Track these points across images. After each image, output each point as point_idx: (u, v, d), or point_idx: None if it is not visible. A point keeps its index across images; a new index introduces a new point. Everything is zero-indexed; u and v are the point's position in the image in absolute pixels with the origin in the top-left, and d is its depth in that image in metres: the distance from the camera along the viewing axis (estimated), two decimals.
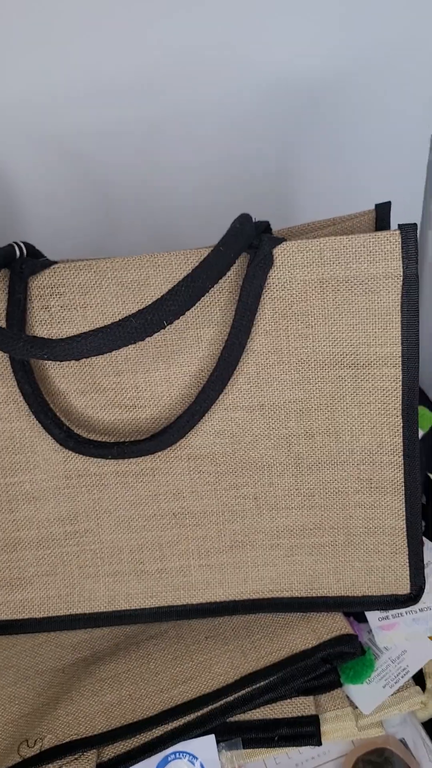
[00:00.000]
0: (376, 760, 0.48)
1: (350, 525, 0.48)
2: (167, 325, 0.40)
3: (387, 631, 0.52)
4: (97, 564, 0.50)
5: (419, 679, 0.51)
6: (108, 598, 0.50)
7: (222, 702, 0.45)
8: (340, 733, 0.48)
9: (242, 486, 0.48)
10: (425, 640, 0.51)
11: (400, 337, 0.45)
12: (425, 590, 0.52)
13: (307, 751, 0.49)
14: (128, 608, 0.51)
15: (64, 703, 0.47)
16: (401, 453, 0.46)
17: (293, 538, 0.48)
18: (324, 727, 0.48)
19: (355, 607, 0.50)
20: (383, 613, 0.53)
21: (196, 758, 0.47)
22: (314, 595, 0.50)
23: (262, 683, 0.46)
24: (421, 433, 0.68)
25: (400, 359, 0.45)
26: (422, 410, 0.70)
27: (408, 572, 0.49)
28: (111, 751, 0.45)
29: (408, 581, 0.49)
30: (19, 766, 0.43)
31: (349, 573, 0.49)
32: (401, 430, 0.46)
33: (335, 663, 0.47)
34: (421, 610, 0.52)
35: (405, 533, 0.48)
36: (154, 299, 0.40)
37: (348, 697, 0.49)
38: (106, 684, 0.47)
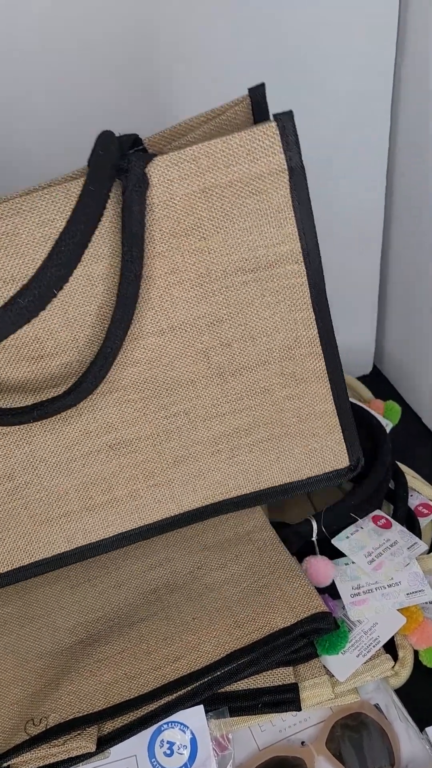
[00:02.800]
0: (352, 724, 0.53)
1: (283, 417, 0.50)
2: (57, 293, 0.38)
3: (358, 606, 0.56)
4: (47, 510, 0.50)
5: (391, 650, 0.55)
6: (66, 539, 0.52)
7: (210, 677, 0.50)
8: (318, 699, 0.53)
9: (171, 405, 0.48)
10: (394, 613, 0.56)
11: (296, 233, 0.43)
12: (391, 567, 0.57)
13: (289, 717, 0.54)
14: (88, 542, 0.52)
15: (64, 683, 0.50)
16: (318, 343, 0.47)
17: (231, 440, 0.50)
18: (303, 694, 0.53)
19: (302, 489, 0.54)
20: (354, 590, 0.57)
21: (187, 727, 0.52)
22: (262, 488, 0.53)
23: (246, 658, 0.50)
24: (390, 425, 0.72)
25: (300, 254, 0.44)
26: (391, 404, 0.74)
27: (345, 447, 0.52)
28: (110, 725, 0.50)
29: (346, 455, 0.52)
30: (27, 743, 0.47)
31: (290, 460, 0.52)
32: (314, 322, 0.46)
33: (312, 637, 0.52)
34: (389, 585, 0.57)
35: (335, 414, 0.51)
36: (28, 249, 0.38)
37: (324, 666, 0.54)
38: (103, 665, 0.51)
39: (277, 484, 0.53)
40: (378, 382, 0.85)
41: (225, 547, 0.58)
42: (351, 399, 0.71)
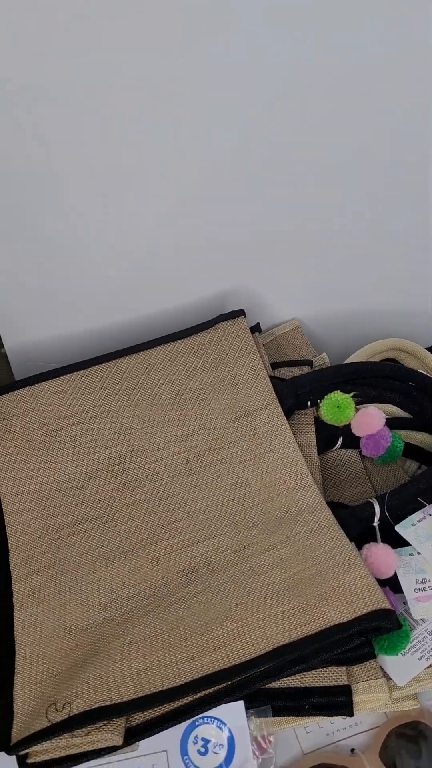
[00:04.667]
0: (410, 733, 0.47)
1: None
2: None
3: (423, 602, 0.50)
4: None
5: None
6: None
7: (253, 672, 0.44)
8: (373, 704, 0.47)
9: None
10: None
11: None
12: None
13: (338, 721, 0.48)
14: None
15: (92, 666, 0.46)
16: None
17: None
18: (356, 698, 0.47)
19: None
20: (419, 584, 0.51)
21: (225, 724, 0.46)
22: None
23: (294, 655, 0.44)
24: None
25: None
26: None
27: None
28: (139, 716, 0.45)
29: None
30: (48, 730, 0.42)
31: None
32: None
33: (370, 636, 0.46)
34: None
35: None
36: None
37: (382, 668, 0.48)
38: (135, 648, 0.46)
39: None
40: None
41: (275, 526, 0.52)
42: (419, 370, 0.64)
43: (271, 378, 0.61)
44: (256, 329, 0.67)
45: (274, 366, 0.67)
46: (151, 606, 0.50)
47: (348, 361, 0.67)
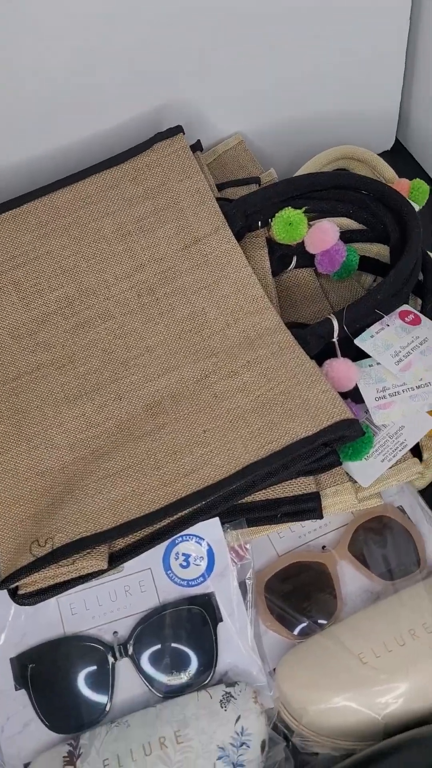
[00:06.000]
0: (375, 527, 0.51)
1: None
2: None
3: (384, 409, 0.51)
4: None
5: (416, 452, 0.51)
6: None
7: (225, 491, 0.46)
8: (341, 506, 0.50)
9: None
10: (423, 415, 0.51)
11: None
12: (420, 367, 0.51)
13: (309, 524, 0.51)
14: None
15: (69, 502, 0.47)
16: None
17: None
18: (325, 502, 0.49)
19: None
20: (379, 393, 0.52)
21: (203, 539, 0.49)
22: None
23: (263, 471, 0.46)
24: (417, 207, 0.62)
25: None
26: (419, 183, 0.64)
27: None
28: (121, 542, 0.47)
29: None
30: (33, 564, 0.44)
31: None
32: None
33: (335, 446, 0.47)
34: (418, 387, 0.51)
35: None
36: None
37: (347, 473, 0.50)
38: (108, 482, 0.47)
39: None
40: (402, 158, 0.75)
41: (235, 352, 0.52)
42: (373, 178, 0.61)
43: (218, 200, 0.58)
44: (197, 148, 0.62)
45: (220, 187, 0.63)
46: (119, 442, 0.50)
47: (297, 174, 0.64)
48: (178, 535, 0.48)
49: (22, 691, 0.46)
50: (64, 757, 0.43)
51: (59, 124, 0.61)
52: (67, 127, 0.62)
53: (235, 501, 0.47)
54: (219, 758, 0.41)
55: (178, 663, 0.46)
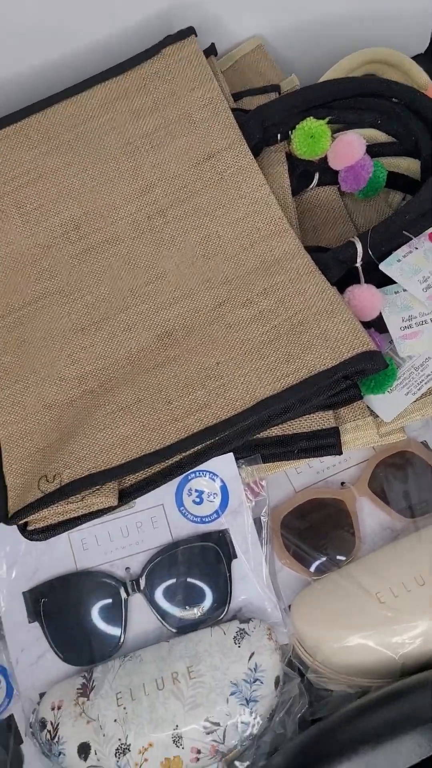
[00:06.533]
0: (397, 462, 0.48)
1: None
2: None
3: (409, 339, 0.48)
4: None
5: None
6: None
7: (239, 426, 0.44)
8: (361, 441, 0.48)
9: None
10: None
11: None
12: None
13: (328, 460, 0.49)
14: None
15: (77, 437, 0.45)
16: None
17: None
18: (344, 438, 0.47)
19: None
20: (405, 322, 0.49)
21: (216, 475, 0.47)
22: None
23: (279, 405, 0.43)
24: None
25: None
26: None
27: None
28: (131, 478, 0.45)
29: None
30: (41, 500, 0.43)
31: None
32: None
33: (356, 379, 0.45)
34: None
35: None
36: None
37: (368, 407, 0.48)
38: (118, 416, 0.45)
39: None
40: None
41: (251, 279, 0.48)
42: (404, 84, 0.56)
43: (234, 111, 0.53)
44: (210, 52, 0.57)
45: (236, 96, 0.58)
46: (129, 374, 0.48)
47: (320, 81, 0.58)
48: (191, 471, 0.46)
49: (36, 624, 0.45)
50: (77, 688, 0.43)
51: (59, 30, 0.56)
52: (68, 32, 0.57)
53: (249, 437, 0.45)
54: (232, 694, 0.41)
55: (191, 599, 0.45)
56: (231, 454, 0.47)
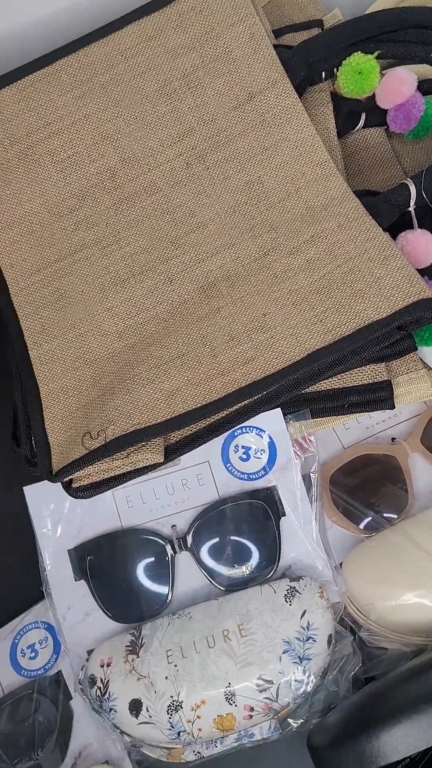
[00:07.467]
0: None
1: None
2: None
3: None
4: None
5: None
6: None
7: (288, 380, 0.42)
8: (415, 395, 0.46)
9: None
10: None
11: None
12: None
13: (377, 414, 0.47)
14: None
15: (120, 393, 0.44)
16: None
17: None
18: (397, 391, 0.45)
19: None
20: None
21: (264, 431, 0.46)
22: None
23: (330, 358, 0.41)
24: None
25: None
26: None
27: None
28: (176, 434, 0.44)
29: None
30: (86, 457, 0.42)
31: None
32: None
33: (411, 329, 0.42)
34: None
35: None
36: None
37: (422, 359, 0.46)
38: (161, 371, 0.44)
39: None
40: None
41: (297, 226, 0.46)
42: None
43: (275, 47, 0.50)
44: None
45: (277, 33, 0.55)
46: (172, 327, 0.46)
47: (367, 13, 0.55)
48: (237, 427, 0.45)
49: (82, 582, 0.45)
50: (126, 646, 0.42)
51: None
52: None
53: (298, 391, 0.43)
54: (284, 652, 0.40)
55: (240, 557, 0.44)
56: (279, 409, 0.45)
